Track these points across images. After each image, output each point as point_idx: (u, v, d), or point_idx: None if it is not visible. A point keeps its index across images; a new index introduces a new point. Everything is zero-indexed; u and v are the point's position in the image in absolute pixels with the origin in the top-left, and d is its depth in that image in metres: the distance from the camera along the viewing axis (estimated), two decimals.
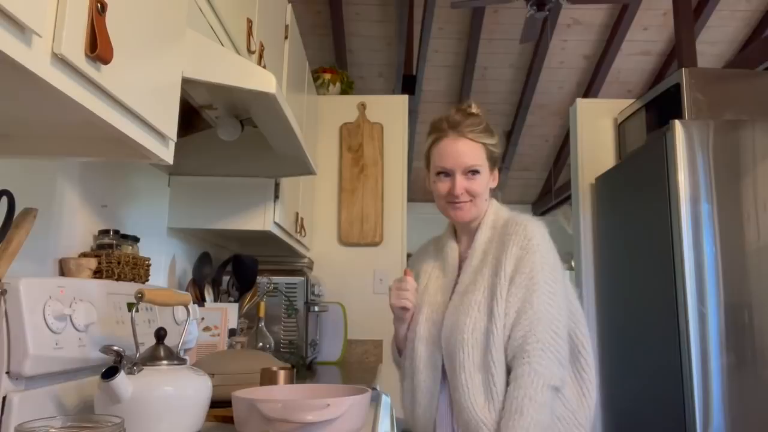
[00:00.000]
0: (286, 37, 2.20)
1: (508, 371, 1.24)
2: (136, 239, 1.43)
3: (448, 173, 1.37)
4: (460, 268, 1.41)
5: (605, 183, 3.24)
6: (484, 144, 1.37)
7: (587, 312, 3.13)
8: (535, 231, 1.32)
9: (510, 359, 1.24)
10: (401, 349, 1.45)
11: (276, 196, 2.01)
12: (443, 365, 1.32)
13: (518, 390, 1.20)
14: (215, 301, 1.97)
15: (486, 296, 1.29)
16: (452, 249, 1.44)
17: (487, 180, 1.39)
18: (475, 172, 1.36)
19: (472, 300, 1.30)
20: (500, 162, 1.46)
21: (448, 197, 1.37)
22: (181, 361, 1.02)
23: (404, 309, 1.39)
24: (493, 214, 1.42)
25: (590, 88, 5.35)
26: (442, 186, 1.38)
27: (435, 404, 1.33)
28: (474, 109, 1.41)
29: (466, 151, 1.35)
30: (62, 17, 0.61)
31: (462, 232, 1.45)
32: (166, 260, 1.91)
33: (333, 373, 2.51)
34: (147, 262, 1.43)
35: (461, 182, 1.35)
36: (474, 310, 1.28)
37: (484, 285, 1.30)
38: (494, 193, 1.47)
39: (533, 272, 1.27)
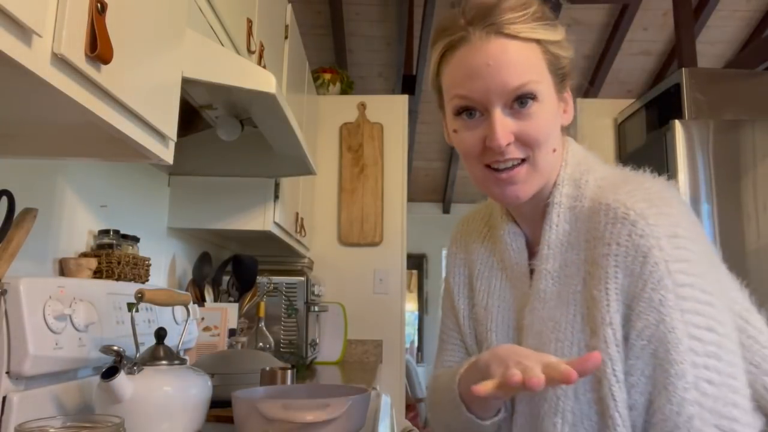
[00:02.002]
0: (286, 37, 2.20)
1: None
2: (136, 239, 1.43)
3: (476, 108, 0.75)
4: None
5: None
6: (539, 42, 0.75)
7: None
8: (650, 234, 0.69)
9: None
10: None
11: (276, 196, 2.01)
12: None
13: None
14: (215, 301, 1.97)
15: (583, 329, 0.73)
16: (517, 242, 0.86)
17: (553, 111, 0.77)
18: (528, 98, 0.73)
19: (561, 322, 0.75)
20: (570, 76, 0.82)
21: (486, 156, 0.76)
22: (181, 361, 1.02)
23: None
24: (570, 181, 0.79)
25: (590, 88, 5.35)
26: (471, 136, 0.76)
27: None
28: None
29: (507, 59, 0.73)
30: (62, 17, 0.61)
31: (521, 215, 0.87)
32: (166, 260, 1.91)
33: (333, 373, 2.51)
34: (147, 262, 1.43)
35: (503, 123, 0.73)
36: (570, 399, 0.72)
37: (574, 342, 0.73)
38: (567, 131, 0.84)
39: (663, 327, 0.67)
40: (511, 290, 0.86)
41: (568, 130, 0.84)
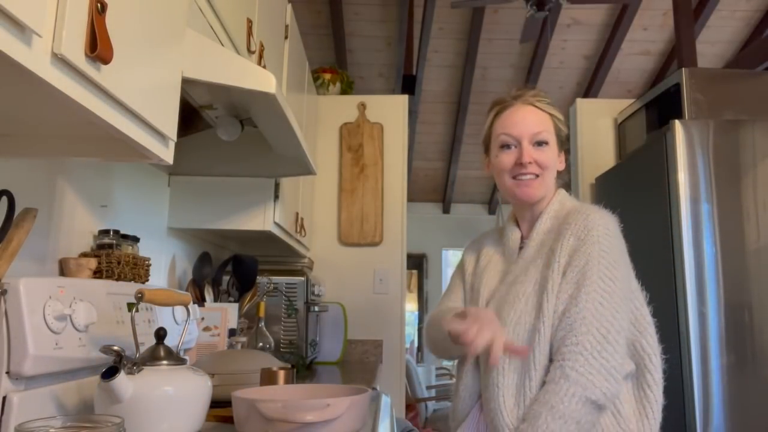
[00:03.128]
0: (286, 37, 2.20)
1: None
2: (136, 239, 1.43)
3: (513, 144, 1.25)
4: None
5: (605, 183, 3.24)
6: (552, 115, 1.28)
7: None
8: (597, 221, 1.16)
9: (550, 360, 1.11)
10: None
11: (276, 196, 2.01)
12: None
13: (544, 395, 1.05)
14: (215, 301, 1.97)
15: (536, 290, 1.16)
16: (514, 233, 1.32)
17: (555, 155, 1.27)
18: (543, 143, 1.24)
19: (519, 291, 1.17)
20: (566, 145, 1.34)
21: (515, 170, 1.24)
22: (181, 361, 1.02)
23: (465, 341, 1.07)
24: (558, 203, 1.28)
25: (590, 88, 5.35)
26: (507, 158, 1.25)
27: (475, 398, 1.21)
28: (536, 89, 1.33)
29: (534, 118, 1.25)
30: (62, 17, 0.61)
31: (523, 218, 1.33)
32: (166, 260, 1.91)
33: (333, 373, 2.51)
34: (147, 262, 1.43)
35: (528, 150, 1.23)
36: (520, 302, 1.15)
37: (535, 277, 1.17)
38: (559, 181, 1.33)
39: (587, 266, 1.11)
40: (504, 265, 1.31)
41: (563, 179, 1.34)
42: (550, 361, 1.10)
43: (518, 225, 1.33)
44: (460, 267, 1.45)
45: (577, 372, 1.04)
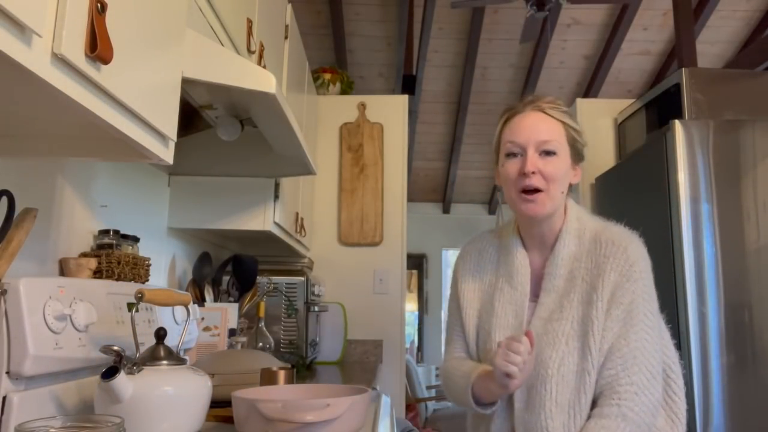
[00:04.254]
0: (286, 37, 2.20)
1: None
2: (136, 239, 1.43)
3: (518, 152, 1.16)
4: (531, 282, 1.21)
5: (605, 183, 3.24)
6: (564, 123, 1.18)
7: None
8: (637, 254, 1.14)
9: (596, 397, 1.09)
10: (483, 402, 1.19)
11: (276, 196, 2.01)
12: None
13: (601, 431, 1.05)
14: (215, 301, 1.97)
15: (576, 329, 1.11)
16: (522, 258, 1.22)
17: (565, 167, 1.17)
18: (550, 152, 1.15)
19: (558, 330, 1.12)
20: (582, 157, 1.22)
21: (519, 181, 1.15)
22: (181, 361, 1.02)
23: (508, 377, 1.07)
24: (576, 220, 1.20)
25: (590, 88, 5.35)
26: (512, 167, 1.16)
27: None
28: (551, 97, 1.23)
29: (542, 126, 1.16)
30: (62, 17, 0.61)
31: (531, 236, 1.23)
32: (166, 260, 1.91)
33: (333, 373, 2.51)
34: (147, 262, 1.43)
35: (533, 159, 1.14)
36: (561, 343, 1.11)
37: (572, 314, 1.13)
38: (569, 193, 1.22)
39: (633, 304, 1.10)
40: (513, 297, 1.20)
41: (573, 192, 1.20)
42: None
43: (522, 241, 1.24)
44: (455, 297, 1.33)
45: (634, 412, 1.06)
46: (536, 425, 1.09)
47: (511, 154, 1.18)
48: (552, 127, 1.16)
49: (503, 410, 1.17)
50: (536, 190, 1.15)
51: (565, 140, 1.17)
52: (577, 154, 1.20)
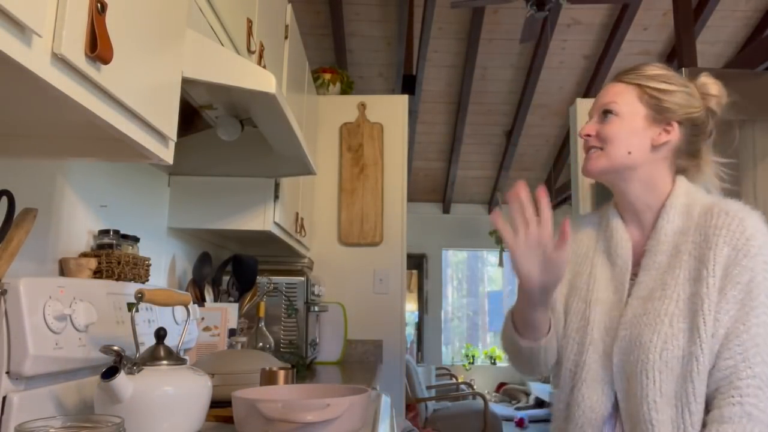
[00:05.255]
0: (286, 37, 2.20)
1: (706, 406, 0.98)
2: (136, 239, 1.43)
3: (591, 117, 1.17)
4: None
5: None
6: (639, 85, 1.11)
7: None
8: (755, 227, 1.01)
9: (711, 391, 0.97)
10: (522, 331, 1.12)
11: (276, 196, 2.01)
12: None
13: None
14: (215, 301, 1.97)
15: (683, 309, 1.00)
16: (622, 232, 1.14)
17: (629, 126, 1.10)
18: (608, 112, 1.11)
19: (660, 310, 1.01)
20: (676, 115, 1.11)
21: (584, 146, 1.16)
22: (181, 361, 1.02)
23: (522, 270, 1.01)
24: (683, 195, 1.10)
25: (590, 88, 5.36)
26: (582, 130, 1.17)
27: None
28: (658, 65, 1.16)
29: (613, 90, 1.13)
30: (62, 17, 0.61)
31: (625, 209, 1.16)
32: (166, 260, 1.91)
33: (333, 373, 2.51)
34: (147, 262, 1.43)
35: (591, 124, 1.13)
36: (664, 324, 1.00)
37: (678, 292, 1.02)
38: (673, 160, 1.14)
39: (752, 283, 0.97)
40: (613, 273, 1.12)
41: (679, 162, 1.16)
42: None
43: (621, 216, 1.16)
44: None
45: (759, 409, 0.93)
46: (640, 418, 0.98)
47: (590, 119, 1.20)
48: (620, 90, 1.12)
49: (598, 403, 1.06)
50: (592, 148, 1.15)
51: (634, 99, 1.10)
52: (661, 112, 1.10)
